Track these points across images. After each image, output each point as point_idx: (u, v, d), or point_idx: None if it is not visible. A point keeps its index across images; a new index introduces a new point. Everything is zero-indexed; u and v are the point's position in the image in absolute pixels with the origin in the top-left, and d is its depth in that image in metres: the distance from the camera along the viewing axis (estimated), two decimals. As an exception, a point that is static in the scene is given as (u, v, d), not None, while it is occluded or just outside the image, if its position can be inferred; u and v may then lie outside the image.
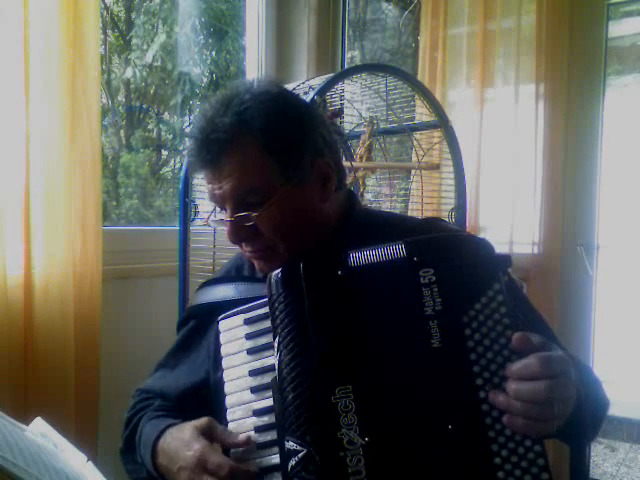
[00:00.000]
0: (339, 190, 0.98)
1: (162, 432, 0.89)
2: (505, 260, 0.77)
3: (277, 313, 0.79)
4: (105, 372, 1.59)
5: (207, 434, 0.83)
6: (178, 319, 1.78)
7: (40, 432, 0.79)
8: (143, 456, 0.92)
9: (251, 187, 0.87)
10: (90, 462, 0.76)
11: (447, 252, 0.77)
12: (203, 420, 0.85)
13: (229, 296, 0.99)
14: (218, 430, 0.83)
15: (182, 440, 0.84)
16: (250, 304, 0.88)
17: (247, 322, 0.88)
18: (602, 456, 3.08)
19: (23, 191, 1.39)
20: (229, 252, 1.73)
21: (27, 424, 0.81)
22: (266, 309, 0.84)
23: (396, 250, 0.77)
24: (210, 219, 0.98)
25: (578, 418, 0.77)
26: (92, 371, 1.54)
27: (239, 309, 0.89)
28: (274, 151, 0.87)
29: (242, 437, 0.81)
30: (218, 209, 0.95)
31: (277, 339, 0.79)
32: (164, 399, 1.03)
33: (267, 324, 0.84)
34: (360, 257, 0.78)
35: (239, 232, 0.90)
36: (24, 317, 1.40)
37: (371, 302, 0.77)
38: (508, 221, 2.28)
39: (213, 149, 0.87)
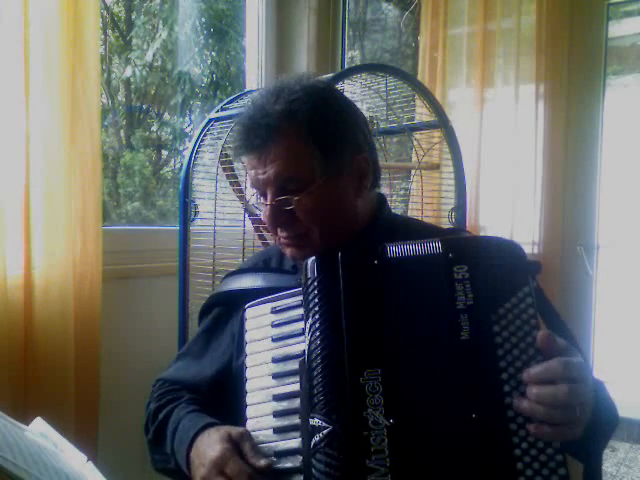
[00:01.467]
0: (373, 189, 1.03)
1: (202, 429, 0.90)
2: (536, 266, 0.80)
3: (311, 297, 0.82)
4: (105, 372, 1.59)
5: (235, 443, 0.84)
6: (178, 319, 1.80)
7: (40, 432, 0.79)
8: (176, 449, 0.93)
9: (293, 173, 0.92)
10: (90, 462, 0.76)
11: (481, 252, 0.80)
12: (238, 430, 0.86)
13: (257, 285, 1.02)
14: (246, 446, 0.84)
15: (212, 440, 0.86)
16: (278, 294, 0.91)
17: (274, 311, 0.91)
18: (602, 456, 3.07)
19: (23, 191, 1.39)
20: (229, 252, 1.73)
21: (27, 424, 0.81)
22: (293, 299, 0.88)
23: (432, 246, 0.80)
24: (252, 201, 1.02)
25: (593, 432, 0.78)
26: (92, 371, 1.54)
27: (267, 298, 0.92)
28: (318, 141, 0.92)
29: (263, 463, 0.81)
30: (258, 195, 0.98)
31: (309, 321, 0.81)
32: (191, 390, 1.05)
33: (293, 314, 0.88)
34: (397, 249, 0.81)
35: (277, 216, 0.94)
36: (24, 317, 1.40)
37: (405, 292, 0.80)
38: (508, 221, 2.28)
39: (262, 134, 0.91)
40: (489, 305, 0.76)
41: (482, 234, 2.29)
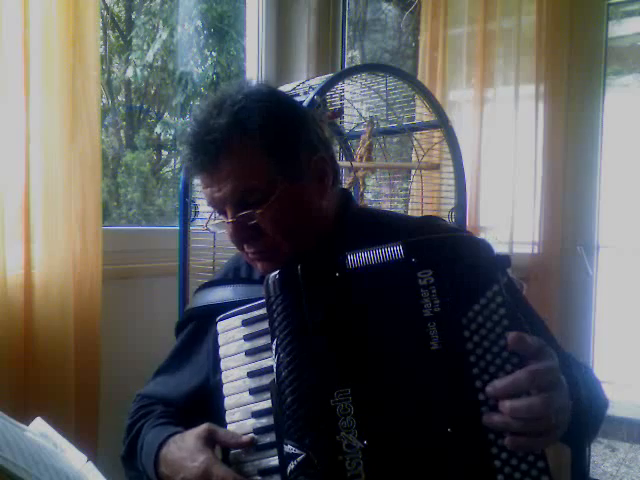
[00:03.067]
0: (335, 187, 0.98)
1: (165, 441, 0.89)
2: (504, 261, 0.76)
3: (275, 315, 0.79)
4: (105, 372, 1.59)
5: (209, 441, 0.83)
6: (178, 320, 1.79)
7: (40, 432, 0.79)
8: (145, 464, 0.92)
9: (251, 186, 0.87)
10: (90, 462, 0.76)
11: (446, 253, 0.76)
12: (202, 428, 0.84)
13: (227, 298, 0.99)
14: (219, 433, 0.83)
15: (186, 450, 0.84)
16: (248, 305, 0.88)
17: (245, 323, 0.87)
18: (602, 456, 3.08)
19: (23, 191, 1.39)
20: (229, 252, 1.73)
21: (27, 424, 0.81)
22: (264, 310, 0.83)
23: (394, 251, 0.76)
24: (209, 224, 0.97)
25: (577, 420, 0.76)
26: (92, 371, 1.54)
27: (237, 310, 0.89)
28: (271, 149, 0.87)
29: (245, 438, 0.81)
30: (216, 213, 0.94)
31: (275, 341, 0.78)
32: (166, 405, 1.03)
33: (265, 325, 0.83)
34: (358, 259, 0.77)
35: (241, 233, 0.90)
36: (24, 317, 1.40)
37: (369, 304, 0.76)
38: (508, 221, 2.28)
39: (210, 151, 0.86)
40: (457, 310, 0.73)
41: (482, 234, 2.29)
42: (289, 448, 0.74)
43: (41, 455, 0.68)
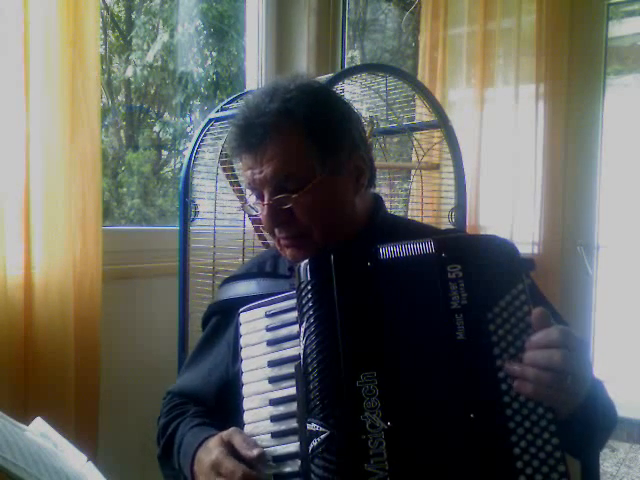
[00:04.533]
0: (369, 188, 1.02)
1: (201, 443, 0.90)
2: (529, 262, 0.80)
3: (305, 300, 0.81)
4: (105, 372, 1.59)
5: (227, 442, 0.84)
6: (178, 319, 1.80)
7: (40, 432, 0.79)
8: (183, 464, 0.94)
9: (291, 172, 0.91)
10: (90, 462, 0.76)
11: (474, 250, 0.80)
12: (228, 430, 0.86)
13: (251, 291, 1.02)
14: (236, 439, 0.84)
15: (207, 448, 0.87)
16: (271, 298, 0.90)
17: (268, 315, 0.90)
18: (602, 456, 3.08)
19: (23, 191, 1.39)
20: (229, 252, 1.73)
21: (27, 424, 0.81)
22: (287, 303, 0.87)
23: (425, 246, 0.80)
24: (247, 204, 1.00)
25: (587, 418, 0.78)
26: (92, 371, 1.54)
27: (261, 302, 0.91)
28: (316, 139, 0.91)
29: (254, 452, 0.81)
30: (254, 197, 0.97)
31: (303, 325, 0.81)
32: (196, 400, 1.05)
33: (287, 317, 0.87)
34: (390, 251, 0.81)
35: (276, 216, 0.93)
36: (24, 317, 1.40)
37: (399, 294, 0.79)
38: (508, 221, 2.28)
39: (258, 133, 0.90)
40: (484, 304, 0.76)
41: (482, 234, 2.29)
42: (313, 426, 0.77)
43: (41, 455, 0.68)
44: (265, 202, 0.93)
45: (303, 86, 0.94)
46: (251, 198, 0.98)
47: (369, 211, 1.03)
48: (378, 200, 1.07)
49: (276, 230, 0.96)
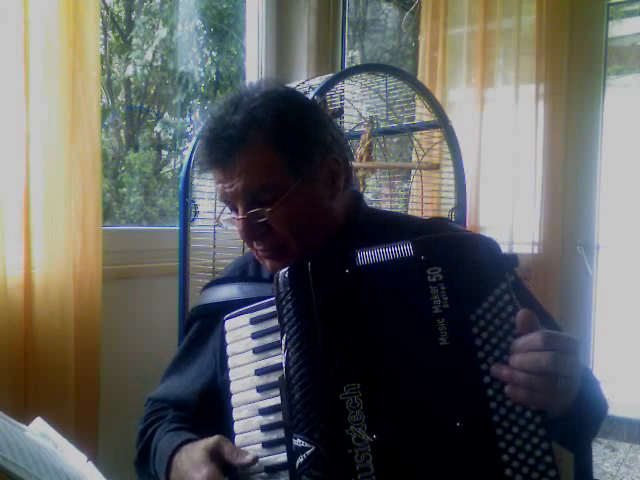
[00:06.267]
0: (347, 188, 0.98)
1: (178, 448, 0.89)
2: (512, 260, 0.77)
3: (285, 311, 0.80)
4: (105, 372, 1.59)
5: (216, 455, 0.83)
6: (178, 319, 1.80)
7: (40, 432, 0.79)
8: (158, 470, 0.92)
9: (263, 184, 0.88)
10: (90, 462, 0.76)
11: (454, 251, 0.77)
12: (212, 439, 0.84)
13: (234, 296, 0.99)
14: (226, 449, 0.83)
15: (193, 461, 0.84)
16: (256, 304, 0.88)
17: (253, 321, 0.88)
18: (602, 456, 3.08)
19: (23, 191, 1.39)
20: (229, 252, 1.73)
21: (27, 424, 0.81)
22: (272, 308, 0.84)
23: (404, 249, 0.77)
24: (221, 219, 0.98)
25: (580, 420, 0.77)
26: (92, 371, 1.54)
27: (245, 308, 0.89)
28: (285, 148, 0.88)
29: (249, 457, 0.80)
30: (227, 209, 0.95)
31: (284, 337, 0.79)
32: (177, 407, 1.03)
33: (273, 323, 0.84)
34: (368, 256, 0.78)
35: (251, 230, 0.90)
36: (24, 317, 1.40)
37: (379, 300, 0.77)
38: (508, 221, 2.28)
39: (225, 147, 0.87)
40: (466, 307, 0.74)
41: (482, 234, 2.29)
42: (298, 442, 0.75)
43: (41, 455, 0.68)
44: (239, 217, 0.90)
45: (268, 93, 0.90)
46: (223, 214, 0.96)
47: (349, 209, 1.00)
48: (357, 197, 1.04)
49: (254, 243, 0.93)
